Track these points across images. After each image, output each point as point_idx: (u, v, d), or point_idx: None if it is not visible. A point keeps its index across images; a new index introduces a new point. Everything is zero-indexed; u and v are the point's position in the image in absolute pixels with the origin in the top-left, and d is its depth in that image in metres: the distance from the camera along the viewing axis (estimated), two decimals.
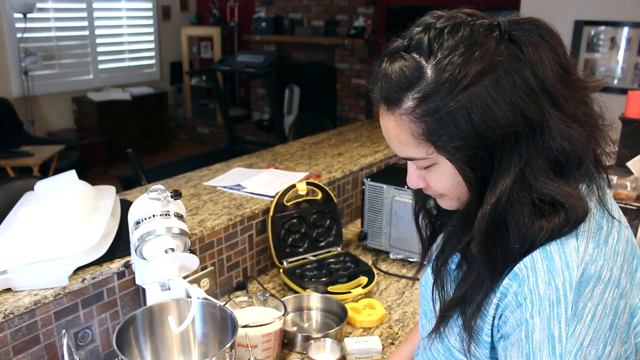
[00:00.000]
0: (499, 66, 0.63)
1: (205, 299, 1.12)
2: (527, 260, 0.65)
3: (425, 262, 0.92)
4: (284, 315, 1.25)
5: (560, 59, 0.66)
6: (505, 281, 0.67)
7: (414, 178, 0.76)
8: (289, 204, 1.69)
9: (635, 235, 1.73)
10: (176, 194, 1.11)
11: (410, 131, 0.68)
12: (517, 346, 0.65)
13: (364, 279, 1.57)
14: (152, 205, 1.09)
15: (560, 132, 0.64)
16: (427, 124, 0.66)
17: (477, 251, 0.70)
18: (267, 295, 1.35)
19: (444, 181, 0.72)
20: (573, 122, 0.65)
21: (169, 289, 1.20)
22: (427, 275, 0.92)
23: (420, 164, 0.72)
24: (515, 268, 0.66)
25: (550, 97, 0.65)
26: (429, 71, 0.65)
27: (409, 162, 0.75)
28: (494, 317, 0.69)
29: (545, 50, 0.66)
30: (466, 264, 0.76)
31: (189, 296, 1.18)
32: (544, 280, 0.63)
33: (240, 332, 1.00)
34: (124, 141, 5.55)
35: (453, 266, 0.79)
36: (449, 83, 0.63)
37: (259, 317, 1.26)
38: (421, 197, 0.87)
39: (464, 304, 0.73)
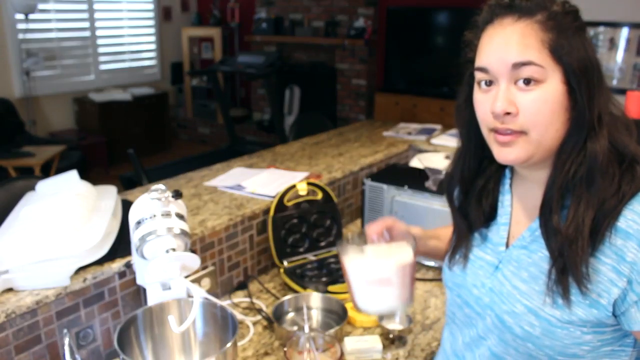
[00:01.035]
0: (586, 31, 0.78)
1: (206, 298, 1.13)
2: (627, 213, 0.73)
3: (457, 256, 0.94)
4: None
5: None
6: (617, 241, 0.72)
7: (504, 100, 0.74)
8: (289, 204, 1.70)
9: None
10: (177, 194, 1.12)
11: (539, 37, 0.74)
12: None
13: None
14: (153, 205, 1.10)
15: (617, 104, 0.79)
16: (555, 36, 0.74)
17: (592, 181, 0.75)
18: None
19: (545, 106, 0.74)
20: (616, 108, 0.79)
21: (170, 289, 1.20)
22: (476, 270, 0.92)
23: (532, 74, 0.73)
24: (621, 225, 0.73)
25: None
26: (557, 3, 0.77)
27: (501, 86, 0.76)
28: (617, 282, 0.73)
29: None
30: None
31: (189, 296, 1.19)
32: None
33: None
34: (125, 141, 5.55)
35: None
36: (572, 15, 0.76)
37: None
38: (467, 179, 0.91)
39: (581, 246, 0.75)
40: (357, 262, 0.95)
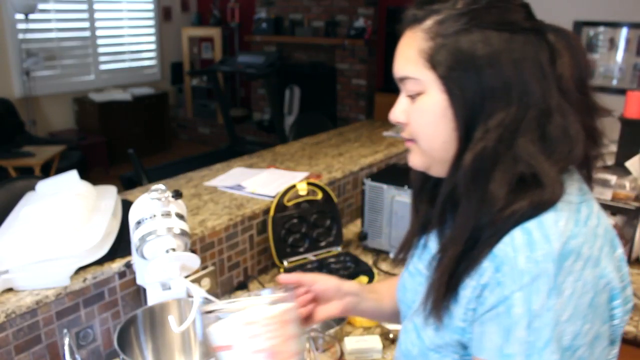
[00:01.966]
0: (519, 31, 0.66)
1: (206, 298, 1.13)
2: (506, 238, 0.64)
3: (402, 256, 0.88)
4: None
5: (580, 70, 0.69)
6: (485, 263, 0.65)
7: (397, 110, 0.74)
8: (289, 204, 1.70)
9: (635, 235, 1.73)
10: (177, 194, 1.12)
11: (417, 47, 0.69)
12: (495, 322, 0.63)
13: (364, 279, 1.57)
14: (153, 205, 1.10)
15: (558, 121, 0.66)
16: (435, 44, 0.68)
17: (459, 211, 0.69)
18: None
19: (425, 117, 0.70)
20: (575, 120, 0.67)
21: (170, 289, 1.20)
22: (405, 280, 0.88)
23: (411, 87, 0.71)
24: (494, 249, 0.64)
25: (560, 87, 0.67)
26: (458, 1, 0.68)
27: (400, 97, 0.74)
28: (469, 300, 0.67)
29: (568, 52, 0.68)
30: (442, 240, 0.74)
31: (189, 296, 1.19)
32: (523, 254, 0.62)
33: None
34: (125, 141, 5.55)
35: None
36: (470, 15, 0.66)
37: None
38: (420, 178, 0.84)
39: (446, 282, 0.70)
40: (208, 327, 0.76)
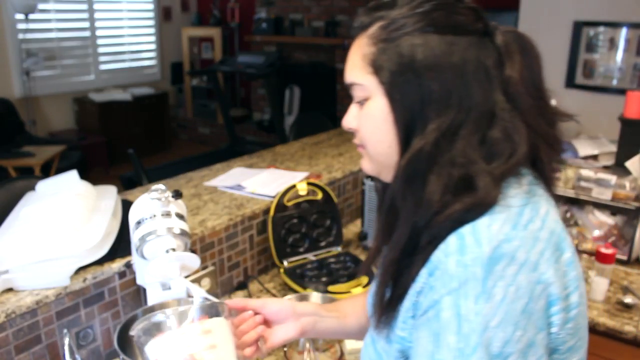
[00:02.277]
0: (463, 34, 0.66)
1: (206, 298, 1.13)
2: (442, 245, 0.63)
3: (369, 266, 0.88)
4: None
5: (533, 74, 0.68)
6: (422, 270, 0.65)
7: (349, 117, 0.76)
8: (289, 204, 1.70)
9: (635, 235, 1.73)
10: (177, 194, 1.12)
11: (362, 53, 0.70)
12: (426, 327, 0.63)
13: (364, 279, 1.57)
14: (153, 205, 1.09)
15: (501, 125, 0.65)
16: (377, 48, 0.68)
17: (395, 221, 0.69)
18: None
19: (370, 122, 0.71)
20: (521, 125, 0.66)
21: (170, 289, 1.20)
22: (372, 290, 0.86)
23: (358, 93, 0.72)
24: (431, 256, 0.64)
25: (507, 91, 0.66)
26: (403, 4, 0.68)
27: (352, 104, 0.75)
28: (407, 308, 0.67)
29: (519, 57, 0.67)
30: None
31: (189, 296, 1.19)
32: (454, 258, 0.61)
33: None
34: (125, 141, 5.55)
35: None
36: (414, 19, 0.66)
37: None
38: (382, 187, 0.84)
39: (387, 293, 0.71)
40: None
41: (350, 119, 0.76)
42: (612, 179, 1.78)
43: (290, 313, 0.91)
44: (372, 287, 0.85)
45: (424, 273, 0.64)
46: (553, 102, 0.72)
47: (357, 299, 0.99)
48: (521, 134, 0.65)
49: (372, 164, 0.75)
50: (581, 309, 0.67)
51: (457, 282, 0.60)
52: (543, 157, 0.69)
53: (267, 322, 0.91)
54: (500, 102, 0.66)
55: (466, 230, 0.62)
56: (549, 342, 0.63)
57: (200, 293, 1.02)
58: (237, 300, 0.92)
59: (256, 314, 0.91)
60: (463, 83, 0.65)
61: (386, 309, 0.70)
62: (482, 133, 0.65)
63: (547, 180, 0.71)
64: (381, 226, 0.79)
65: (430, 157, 0.65)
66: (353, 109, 0.75)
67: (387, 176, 0.73)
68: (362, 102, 0.72)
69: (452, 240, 0.62)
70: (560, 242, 0.66)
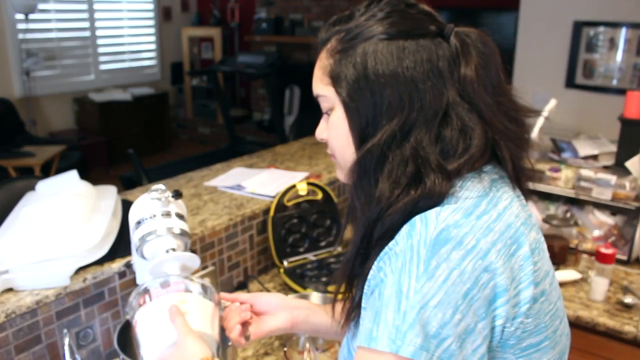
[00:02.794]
0: (414, 38, 0.68)
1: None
2: (397, 234, 0.65)
3: None
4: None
5: (490, 73, 0.69)
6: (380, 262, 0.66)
7: (319, 128, 0.79)
8: (289, 204, 1.70)
9: (635, 235, 1.73)
10: (177, 194, 1.12)
11: (322, 66, 0.73)
12: (370, 306, 0.64)
13: None
14: (153, 205, 1.09)
15: (455, 124, 0.67)
16: (334, 60, 0.71)
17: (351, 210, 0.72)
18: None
19: (334, 130, 0.73)
20: (479, 122, 0.67)
21: None
22: None
23: (324, 104, 0.75)
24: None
25: (463, 91, 0.68)
26: (358, 16, 0.71)
27: (324, 116, 0.78)
28: (364, 300, 0.68)
29: (475, 55, 0.69)
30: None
31: None
32: (402, 241, 0.63)
33: None
34: (125, 141, 5.55)
35: None
36: (367, 28, 0.69)
37: None
38: None
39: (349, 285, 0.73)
40: None
41: (321, 130, 0.78)
42: (612, 179, 1.78)
43: (282, 305, 0.93)
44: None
45: (375, 262, 0.66)
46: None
47: None
48: (475, 130, 0.67)
49: (342, 172, 0.76)
50: (544, 307, 0.67)
51: (401, 262, 0.61)
52: (505, 154, 0.70)
53: (258, 313, 0.93)
54: (454, 101, 0.67)
55: (417, 217, 0.64)
56: (492, 334, 0.63)
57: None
58: (229, 294, 0.94)
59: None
60: (414, 86, 0.67)
61: (349, 307, 0.72)
62: (436, 131, 0.67)
63: (514, 177, 0.72)
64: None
65: (381, 156, 0.67)
66: (323, 121, 0.78)
67: None
68: (328, 113, 0.75)
69: (404, 228, 0.64)
70: (518, 237, 0.66)
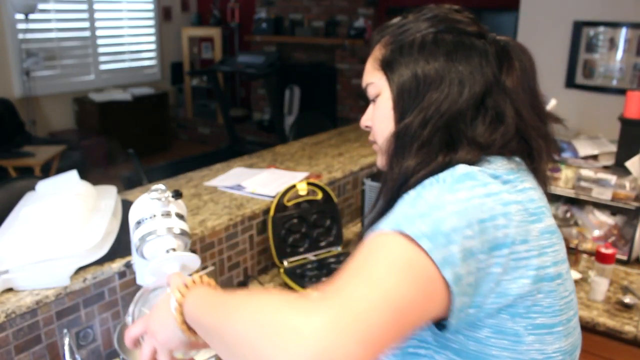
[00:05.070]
0: (462, 34, 0.75)
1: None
2: None
3: None
4: None
5: (527, 76, 0.75)
6: None
7: (365, 117, 0.83)
8: (289, 204, 1.70)
9: (635, 235, 1.73)
10: (177, 194, 1.12)
11: (375, 57, 0.80)
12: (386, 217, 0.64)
13: None
14: (153, 205, 1.09)
15: (494, 111, 0.72)
16: (386, 49, 0.78)
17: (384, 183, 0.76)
18: None
19: (378, 114, 0.78)
20: (512, 110, 0.72)
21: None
22: None
23: (371, 92, 0.80)
24: None
25: (502, 86, 0.73)
26: (411, 16, 0.79)
27: (370, 105, 0.83)
28: None
29: (514, 58, 0.75)
30: None
31: None
32: (429, 180, 0.67)
33: None
34: (125, 141, 5.54)
35: None
36: (416, 24, 0.77)
37: None
38: None
39: None
40: None
41: (367, 118, 0.83)
42: (612, 179, 1.78)
43: None
44: None
45: None
46: (552, 103, 0.77)
47: None
48: (508, 118, 0.72)
49: (383, 158, 0.79)
50: (560, 291, 0.68)
51: (427, 184, 0.66)
52: (535, 149, 0.75)
53: None
54: (493, 90, 0.73)
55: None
56: (485, 273, 0.61)
57: None
58: None
59: None
60: (456, 73, 0.72)
61: None
62: (472, 114, 0.72)
63: (538, 173, 0.76)
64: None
65: (418, 130, 0.72)
66: (369, 109, 0.83)
67: None
68: (375, 100, 0.80)
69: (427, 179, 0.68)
70: (539, 213, 0.69)
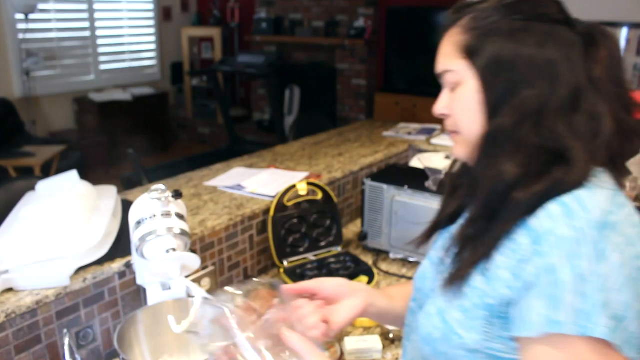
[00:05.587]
0: (551, 22, 0.71)
1: (206, 298, 1.13)
2: (540, 213, 0.64)
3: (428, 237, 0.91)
4: None
5: (614, 63, 0.71)
6: (519, 238, 0.66)
7: (440, 104, 0.79)
8: (289, 204, 1.70)
9: None
10: (177, 194, 1.12)
11: (455, 42, 0.75)
12: (539, 293, 0.63)
13: (364, 279, 1.57)
14: (153, 205, 1.10)
15: (588, 108, 0.68)
16: (469, 35, 0.73)
17: (479, 194, 0.72)
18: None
19: (462, 104, 0.74)
20: (605, 109, 0.69)
21: (170, 289, 1.21)
22: (425, 268, 0.89)
23: (451, 79, 0.75)
24: (529, 223, 0.65)
25: (590, 78, 0.70)
26: (491, 0, 0.74)
27: (442, 93, 0.79)
28: (501, 278, 0.67)
29: (602, 45, 0.71)
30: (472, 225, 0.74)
31: (189, 296, 1.19)
32: (564, 223, 0.62)
33: None
34: (125, 141, 5.53)
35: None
36: (502, 10, 0.72)
37: None
38: (455, 174, 0.89)
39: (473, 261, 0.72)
40: None
41: (442, 106, 0.79)
42: None
43: (348, 290, 0.90)
44: (424, 267, 0.88)
45: (525, 242, 0.65)
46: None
47: (402, 286, 1.00)
48: (604, 115, 0.68)
49: (465, 148, 0.77)
50: None
51: (572, 245, 0.61)
52: (615, 145, 0.70)
53: (325, 301, 0.89)
54: (585, 85, 0.69)
55: (568, 198, 0.64)
56: None
57: (200, 293, 1.01)
58: (294, 286, 0.90)
59: (313, 295, 0.90)
60: (550, 66, 0.68)
61: (455, 273, 0.73)
62: (567, 114, 0.68)
63: (619, 171, 0.73)
64: (450, 209, 0.86)
65: (513, 132, 0.68)
66: (444, 96, 0.79)
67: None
68: (453, 88, 0.76)
69: (554, 208, 0.64)
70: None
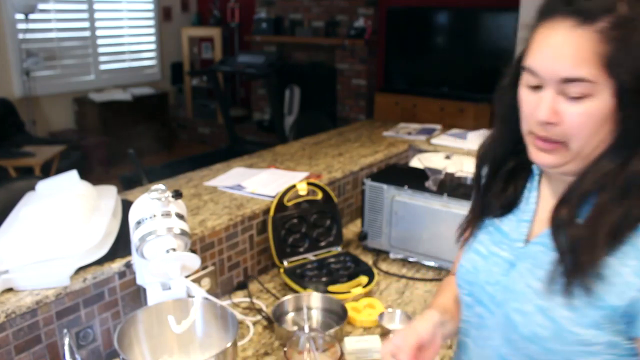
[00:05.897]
0: None
1: (206, 298, 1.13)
2: None
3: (470, 229, 0.92)
4: None
5: None
6: None
7: (550, 111, 0.72)
8: (289, 204, 1.70)
9: None
10: (177, 194, 1.12)
11: (595, 49, 0.68)
12: None
13: (364, 279, 1.57)
14: (153, 205, 1.10)
15: None
16: (613, 48, 0.67)
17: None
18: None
19: (589, 119, 0.70)
20: None
21: (170, 289, 1.21)
22: (475, 262, 0.89)
23: (578, 89, 0.70)
24: None
25: None
26: (632, 3, 0.68)
27: (546, 94, 0.73)
28: (627, 281, 0.70)
29: None
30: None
31: (190, 296, 1.19)
32: None
33: None
34: (125, 141, 5.54)
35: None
36: None
37: None
38: (499, 159, 0.88)
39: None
40: None
41: (551, 114, 0.72)
42: None
43: (436, 334, 0.90)
44: (473, 261, 0.90)
45: None
46: None
47: (452, 296, 1.00)
48: None
49: (567, 156, 0.74)
50: None
51: None
52: None
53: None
54: None
55: None
56: None
57: (200, 293, 1.02)
58: (409, 347, 0.86)
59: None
60: None
61: (588, 280, 0.72)
62: None
63: None
64: (488, 199, 0.88)
65: None
66: (553, 102, 0.72)
67: (571, 168, 0.76)
68: (576, 98, 0.70)
69: None
70: None
